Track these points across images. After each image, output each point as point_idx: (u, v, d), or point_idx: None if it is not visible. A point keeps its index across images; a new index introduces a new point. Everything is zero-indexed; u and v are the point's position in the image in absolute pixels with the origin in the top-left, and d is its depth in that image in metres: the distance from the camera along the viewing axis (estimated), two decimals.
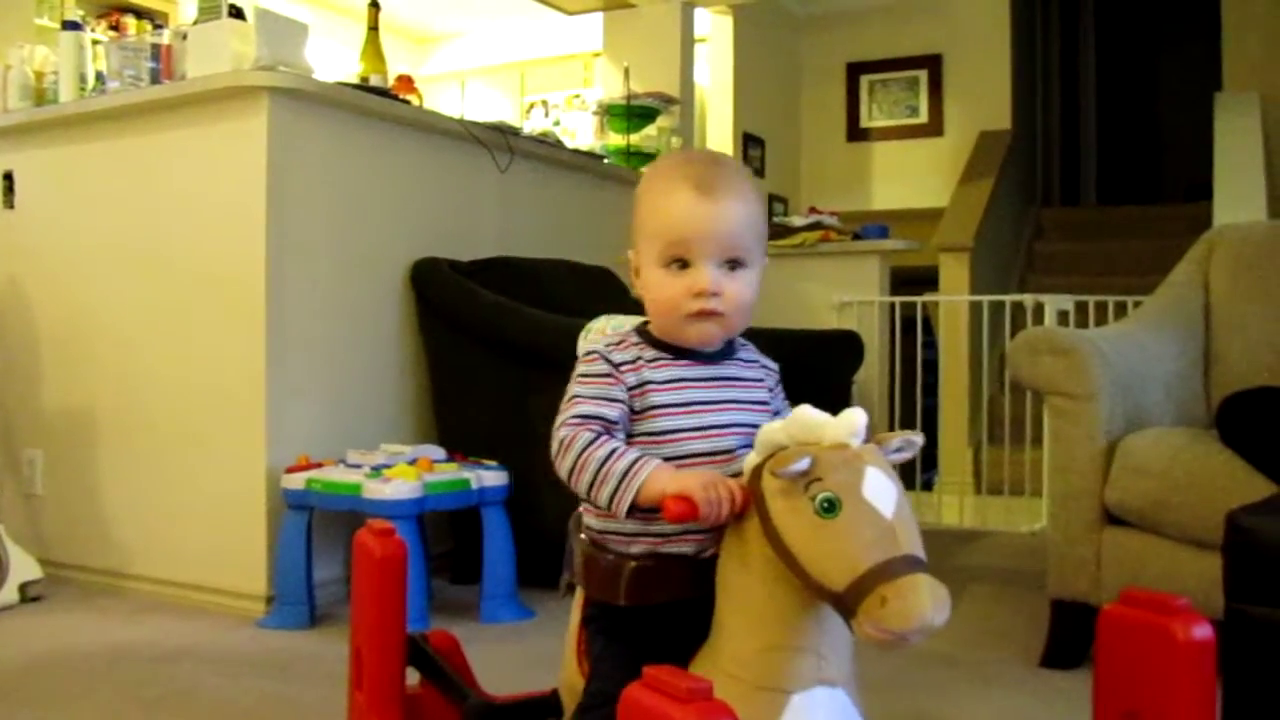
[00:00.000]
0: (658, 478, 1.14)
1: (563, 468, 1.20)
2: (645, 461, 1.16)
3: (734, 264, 1.23)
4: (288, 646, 2.54)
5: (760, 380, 1.30)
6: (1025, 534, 4.14)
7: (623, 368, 1.23)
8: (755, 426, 1.23)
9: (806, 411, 1.10)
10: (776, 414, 1.30)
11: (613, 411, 1.21)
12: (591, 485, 1.17)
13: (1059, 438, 2.42)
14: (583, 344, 1.42)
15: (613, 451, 1.17)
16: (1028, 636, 2.55)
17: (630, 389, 1.22)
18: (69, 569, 3.18)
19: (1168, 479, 2.24)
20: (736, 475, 1.17)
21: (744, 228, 1.23)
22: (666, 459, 1.18)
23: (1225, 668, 1.38)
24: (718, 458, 1.22)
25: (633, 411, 1.22)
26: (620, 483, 1.15)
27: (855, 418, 1.07)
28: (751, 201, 1.25)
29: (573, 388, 1.24)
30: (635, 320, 1.35)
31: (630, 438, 1.22)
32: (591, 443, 1.18)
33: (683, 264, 1.22)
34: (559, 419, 1.23)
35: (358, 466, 2.70)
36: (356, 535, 1.58)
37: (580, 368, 1.26)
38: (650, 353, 1.25)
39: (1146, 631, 1.14)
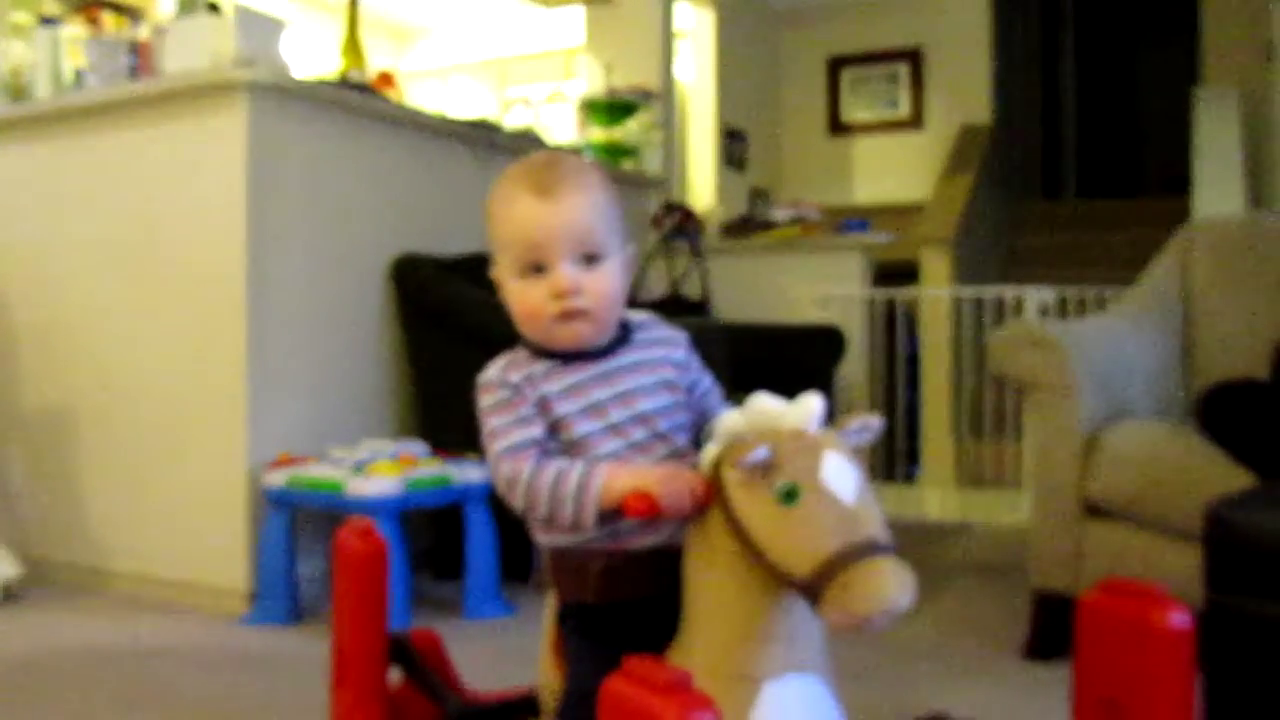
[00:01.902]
0: (614, 480, 1.14)
1: (516, 503, 1.20)
2: (595, 470, 1.15)
3: (590, 259, 1.21)
4: (269, 644, 2.53)
5: (663, 359, 1.27)
6: (1007, 526, 4.16)
7: (521, 388, 1.22)
8: (674, 406, 1.24)
9: (763, 400, 1.10)
10: (693, 385, 1.29)
11: (536, 430, 1.20)
12: (551, 511, 1.17)
13: (1040, 430, 2.43)
14: None
15: (559, 472, 1.16)
16: (1009, 628, 2.56)
17: (535, 405, 1.21)
18: (48, 567, 3.17)
19: (1148, 471, 2.25)
20: (673, 456, 1.19)
21: (591, 221, 1.21)
22: None
23: (1205, 658, 1.38)
24: (639, 449, 1.21)
25: None
26: (578, 500, 1.15)
27: (812, 403, 1.08)
28: (597, 193, 1.23)
29: (488, 421, 1.23)
30: None
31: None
32: (535, 472, 1.17)
33: (539, 269, 1.21)
34: (490, 457, 1.22)
35: (340, 463, 2.69)
36: (338, 533, 1.57)
37: (484, 399, 1.24)
38: (540, 366, 1.23)
39: (1125, 620, 1.15)
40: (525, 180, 1.23)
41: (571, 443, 1.21)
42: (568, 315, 1.20)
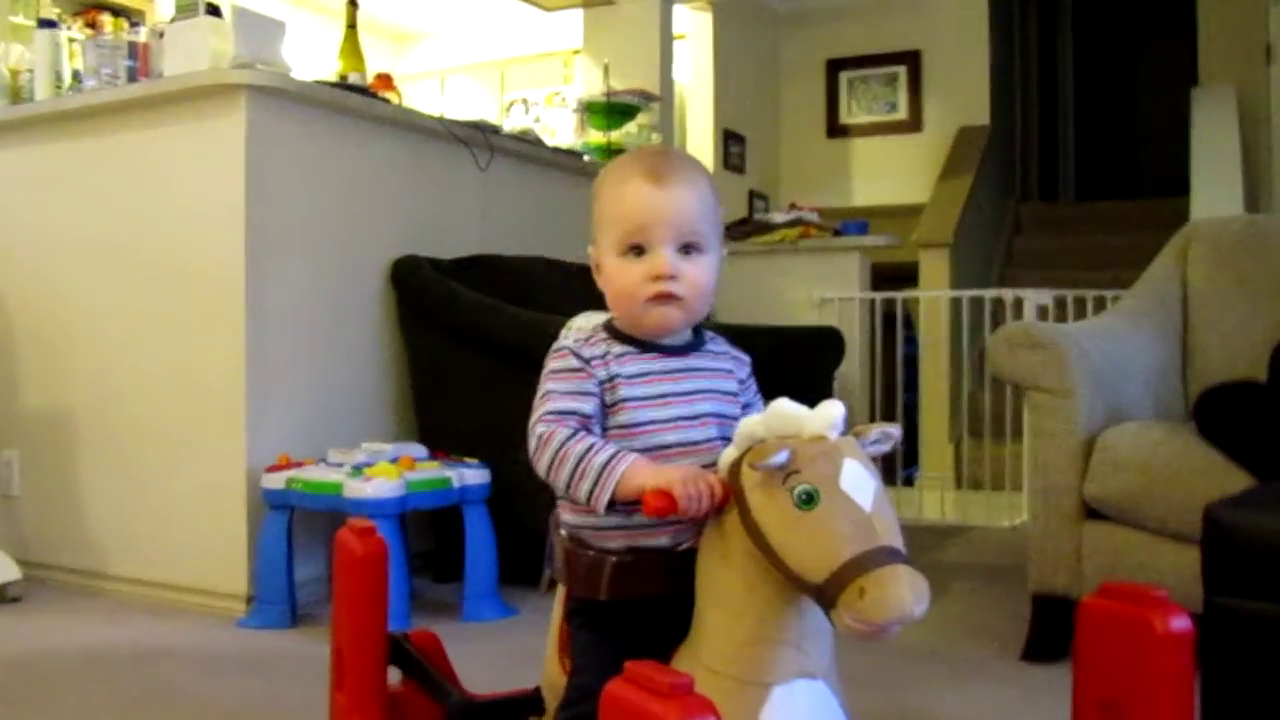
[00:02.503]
0: (636, 472, 1.15)
1: (541, 464, 1.21)
2: (623, 456, 1.17)
3: (690, 249, 1.25)
4: (269, 646, 2.53)
5: (730, 371, 1.31)
6: (1006, 528, 4.16)
7: (593, 362, 1.25)
8: (730, 416, 1.26)
9: (784, 405, 1.10)
10: (747, 406, 1.31)
11: (587, 405, 1.22)
12: (570, 481, 1.18)
13: (1038, 432, 2.43)
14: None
15: (590, 446, 1.18)
16: (1009, 631, 2.56)
17: (601, 383, 1.24)
18: (47, 570, 3.16)
19: (1147, 473, 2.25)
20: (713, 465, 1.18)
21: (698, 212, 1.25)
22: (639, 451, 1.19)
23: (1203, 660, 1.38)
24: (691, 448, 1.23)
25: (604, 405, 1.24)
26: (599, 477, 1.16)
27: (833, 410, 1.08)
28: (704, 188, 1.27)
29: (545, 384, 1.26)
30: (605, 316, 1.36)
31: (603, 431, 1.24)
32: (569, 438, 1.19)
33: (640, 251, 1.25)
34: (534, 415, 1.24)
35: (339, 465, 2.69)
36: (337, 534, 1.57)
37: (551, 363, 1.27)
38: (618, 347, 1.26)
39: (1125, 623, 1.15)
40: (641, 164, 1.27)
41: (627, 426, 1.23)
42: (662, 298, 1.24)
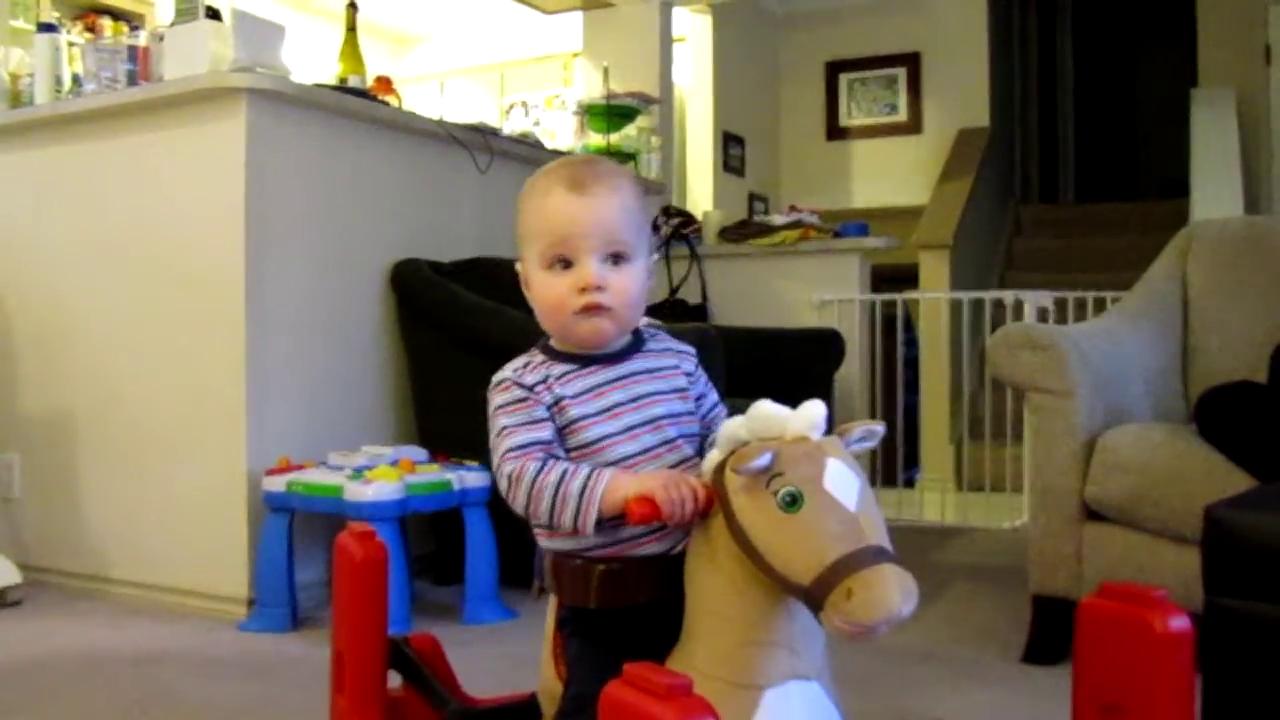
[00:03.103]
0: (617, 486, 1.15)
1: (517, 502, 1.20)
2: (599, 474, 1.16)
3: (617, 258, 1.23)
4: (269, 649, 2.53)
5: (675, 367, 1.30)
6: (1006, 530, 4.16)
7: (536, 389, 1.23)
8: (684, 414, 1.26)
9: (766, 406, 1.10)
10: (700, 398, 1.31)
11: (545, 432, 1.21)
12: (552, 512, 1.17)
13: (1039, 434, 2.43)
14: None
15: (564, 473, 1.17)
16: (1009, 632, 2.56)
17: (549, 408, 1.23)
18: (48, 573, 3.16)
19: (1147, 474, 2.25)
20: (681, 464, 1.19)
21: (622, 221, 1.24)
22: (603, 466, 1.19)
23: (1204, 661, 1.38)
24: (652, 453, 1.23)
25: (557, 430, 1.23)
26: (580, 502, 1.15)
27: (815, 410, 1.08)
28: (627, 194, 1.25)
29: (498, 420, 1.24)
30: None
31: (564, 454, 1.23)
32: (540, 470, 1.18)
33: (566, 263, 1.23)
34: (497, 455, 1.23)
35: (339, 468, 2.69)
36: (337, 538, 1.57)
37: (497, 398, 1.25)
38: (558, 369, 1.25)
39: (1125, 624, 1.15)
40: (561, 175, 1.25)
41: (585, 445, 1.22)
42: (591, 309, 1.22)
